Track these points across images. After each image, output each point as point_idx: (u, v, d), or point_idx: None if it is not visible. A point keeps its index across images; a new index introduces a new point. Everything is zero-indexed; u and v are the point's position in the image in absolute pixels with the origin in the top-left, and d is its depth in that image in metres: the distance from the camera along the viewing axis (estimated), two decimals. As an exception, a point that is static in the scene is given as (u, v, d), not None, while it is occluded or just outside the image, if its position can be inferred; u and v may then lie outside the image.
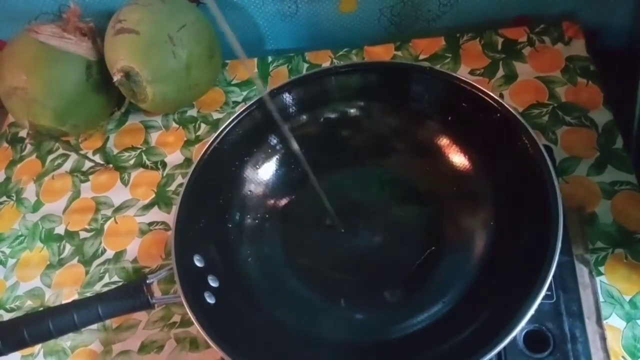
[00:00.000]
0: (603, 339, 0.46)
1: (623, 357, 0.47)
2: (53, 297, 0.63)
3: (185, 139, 0.73)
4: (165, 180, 0.69)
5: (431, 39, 0.73)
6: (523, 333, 0.47)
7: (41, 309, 0.62)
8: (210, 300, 0.47)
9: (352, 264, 0.53)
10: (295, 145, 0.47)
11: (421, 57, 0.72)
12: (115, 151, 0.74)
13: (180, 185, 0.68)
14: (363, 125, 0.59)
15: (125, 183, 0.71)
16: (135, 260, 0.63)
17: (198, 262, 0.49)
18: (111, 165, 0.73)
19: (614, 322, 0.48)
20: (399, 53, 0.73)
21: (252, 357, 0.43)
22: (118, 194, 0.70)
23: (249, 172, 0.58)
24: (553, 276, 0.40)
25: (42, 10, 0.75)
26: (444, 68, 0.69)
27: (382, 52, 0.74)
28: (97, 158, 0.74)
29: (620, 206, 0.54)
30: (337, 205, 0.57)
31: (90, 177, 0.72)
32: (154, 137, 0.74)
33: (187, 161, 0.70)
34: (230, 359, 0.42)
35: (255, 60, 0.78)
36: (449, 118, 0.55)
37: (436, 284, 0.50)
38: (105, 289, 0.61)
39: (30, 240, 0.69)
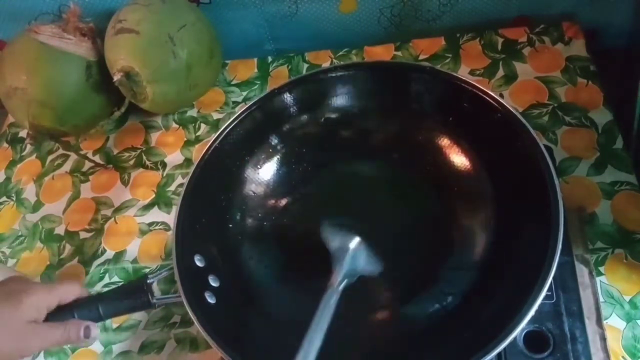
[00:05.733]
0: (603, 339, 0.46)
1: (623, 357, 0.47)
2: (53, 297, 0.63)
3: (185, 139, 0.73)
4: (165, 181, 0.69)
5: (431, 39, 0.73)
6: (523, 333, 0.47)
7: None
8: (211, 300, 0.47)
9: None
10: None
11: (421, 57, 0.72)
12: (115, 151, 0.74)
13: (180, 185, 0.68)
14: (363, 125, 0.59)
15: (125, 183, 0.71)
16: (135, 261, 0.63)
17: (199, 262, 0.49)
18: (111, 166, 0.73)
19: (614, 323, 0.48)
20: (399, 53, 0.73)
21: (252, 357, 0.43)
22: (118, 194, 0.70)
23: (249, 172, 0.57)
24: (553, 276, 0.40)
25: (42, 11, 0.75)
26: (444, 68, 0.69)
27: (382, 52, 0.74)
28: (97, 158, 0.74)
29: (620, 206, 0.54)
30: (337, 205, 0.57)
31: (90, 177, 0.73)
32: (154, 137, 0.74)
33: (187, 161, 0.70)
34: (230, 358, 0.42)
35: (255, 60, 0.78)
36: (450, 118, 0.55)
37: (436, 284, 0.50)
38: (106, 289, 0.61)
39: (30, 241, 0.69)
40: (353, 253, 0.47)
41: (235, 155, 0.57)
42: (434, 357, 0.45)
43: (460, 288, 0.49)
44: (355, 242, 0.48)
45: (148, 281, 0.47)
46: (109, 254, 0.65)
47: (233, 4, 0.74)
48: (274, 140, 0.59)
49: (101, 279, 0.63)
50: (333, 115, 0.59)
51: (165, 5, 0.67)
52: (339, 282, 0.45)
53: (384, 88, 0.58)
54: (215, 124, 0.73)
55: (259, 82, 0.76)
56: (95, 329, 0.47)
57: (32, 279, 0.64)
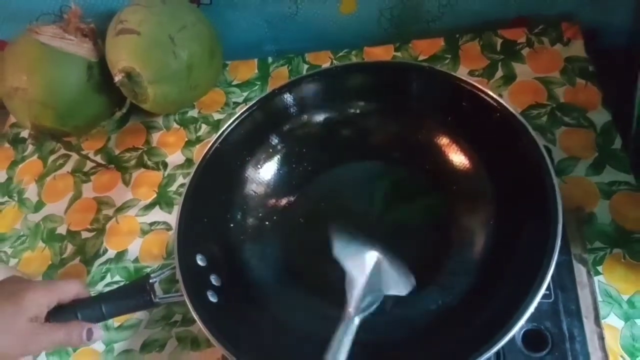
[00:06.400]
0: (601, 338, 0.47)
1: (621, 356, 0.47)
2: (55, 297, 0.63)
3: (186, 139, 0.73)
4: (166, 181, 0.70)
5: (430, 39, 0.73)
6: (521, 332, 0.47)
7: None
8: (213, 299, 0.47)
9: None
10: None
11: (420, 58, 0.72)
12: (117, 151, 0.75)
13: (182, 185, 0.68)
14: (363, 125, 0.59)
15: (126, 183, 0.71)
16: (136, 260, 0.64)
17: (200, 262, 0.50)
18: (112, 166, 0.73)
19: (612, 322, 0.49)
20: (399, 54, 0.73)
21: (254, 356, 0.43)
22: (119, 194, 0.70)
23: (250, 172, 0.58)
24: (551, 276, 0.40)
25: (43, 11, 0.75)
26: (444, 69, 0.69)
27: (381, 53, 0.74)
28: (99, 158, 0.74)
29: (618, 206, 0.55)
30: (337, 204, 0.57)
31: (92, 177, 0.73)
32: (155, 137, 0.75)
33: (188, 161, 0.71)
34: (233, 357, 0.42)
35: (256, 61, 0.78)
36: (449, 118, 0.55)
37: (435, 282, 0.50)
38: (107, 288, 0.62)
39: (32, 240, 0.69)
40: (372, 273, 0.42)
41: (236, 155, 0.57)
42: (433, 355, 0.45)
43: (460, 287, 0.49)
44: (373, 258, 0.43)
45: (150, 280, 0.48)
46: (111, 253, 0.65)
47: (233, 4, 0.74)
48: (275, 140, 0.59)
49: (103, 278, 0.63)
50: (333, 115, 0.60)
51: (166, 6, 0.68)
52: (355, 311, 0.40)
53: (383, 88, 0.58)
54: (216, 125, 0.73)
55: (259, 83, 0.76)
56: (98, 330, 0.47)
57: (34, 278, 0.65)
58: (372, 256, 0.44)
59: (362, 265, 0.43)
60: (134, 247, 0.65)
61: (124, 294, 0.49)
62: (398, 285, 0.44)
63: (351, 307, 0.41)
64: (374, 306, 0.42)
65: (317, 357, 0.41)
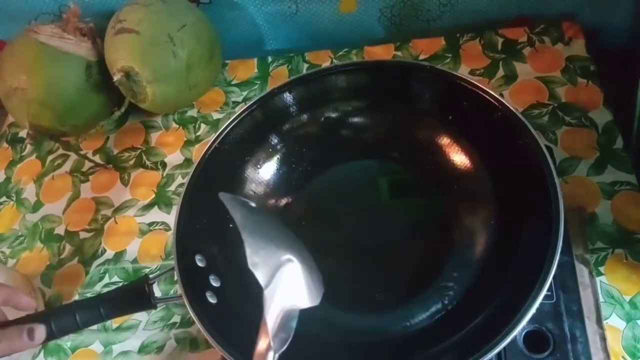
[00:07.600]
0: (603, 339, 0.46)
1: (623, 357, 0.47)
2: (53, 298, 0.63)
3: (185, 139, 0.73)
4: (165, 181, 0.69)
5: (431, 39, 0.73)
6: (523, 333, 0.47)
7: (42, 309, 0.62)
8: (212, 300, 0.47)
9: (353, 263, 0.53)
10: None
11: (421, 57, 0.72)
12: (115, 151, 0.74)
13: (180, 185, 0.68)
14: (363, 124, 0.59)
15: (125, 183, 0.71)
16: (135, 261, 0.63)
17: (199, 262, 0.49)
18: (111, 166, 0.73)
19: (614, 323, 0.48)
20: (399, 53, 0.73)
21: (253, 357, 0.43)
22: (118, 194, 0.70)
23: (249, 172, 0.58)
24: (553, 276, 0.40)
25: (42, 11, 0.75)
26: (444, 68, 0.69)
27: (382, 52, 0.74)
28: (97, 158, 0.74)
29: (620, 206, 0.54)
30: (337, 204, 0.57)
31: (90, 177, 0.73)
32: (154, 137, 0.74)
33: (187, 161, 0.70)
34: (232, 358, 0.42)
35: (255, 60, 0.78)
36: (450, 117, 0.55)
37: (437, 283, 0.50)
38: (106, 289, 0.61)
39: (30, 241, 0.69)
40: (284, 285, 0.40)
41: (235, 155, 0.57)
42: (433, 356, 0.45)
43: (461, 287, 0.49)
44: (286, 266, 0.41)
45: (150, 281, 0.47)
46: (109, 254, 0.65)
47: (233, 4, 0.74)
48: (274, 140, 0.59)
49: (101, 279, 0.63)
50: (333, 115, 0.60)
51: (165, 5, 0.67)
52: (274, 341, 0.37)
53: (383, 87, 0.58)
54: (215, 124, 0.73)
55: (259, 82, 0.76)
56: (40, 328, 0.43)
57: (32, 279, 0.64)
58: (284, 263, 0.42)
59: (274, 275, 0.41)
60: (133, 248, 0.64)
61: (122, 295, 0.48)
62: (308, 295, 0.43)
63: (270, 336, 0.38)
64: (291, 331, 0.40)
65: (317, 357, 0.41)
